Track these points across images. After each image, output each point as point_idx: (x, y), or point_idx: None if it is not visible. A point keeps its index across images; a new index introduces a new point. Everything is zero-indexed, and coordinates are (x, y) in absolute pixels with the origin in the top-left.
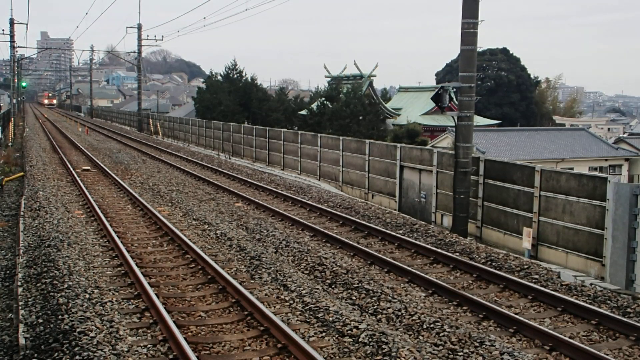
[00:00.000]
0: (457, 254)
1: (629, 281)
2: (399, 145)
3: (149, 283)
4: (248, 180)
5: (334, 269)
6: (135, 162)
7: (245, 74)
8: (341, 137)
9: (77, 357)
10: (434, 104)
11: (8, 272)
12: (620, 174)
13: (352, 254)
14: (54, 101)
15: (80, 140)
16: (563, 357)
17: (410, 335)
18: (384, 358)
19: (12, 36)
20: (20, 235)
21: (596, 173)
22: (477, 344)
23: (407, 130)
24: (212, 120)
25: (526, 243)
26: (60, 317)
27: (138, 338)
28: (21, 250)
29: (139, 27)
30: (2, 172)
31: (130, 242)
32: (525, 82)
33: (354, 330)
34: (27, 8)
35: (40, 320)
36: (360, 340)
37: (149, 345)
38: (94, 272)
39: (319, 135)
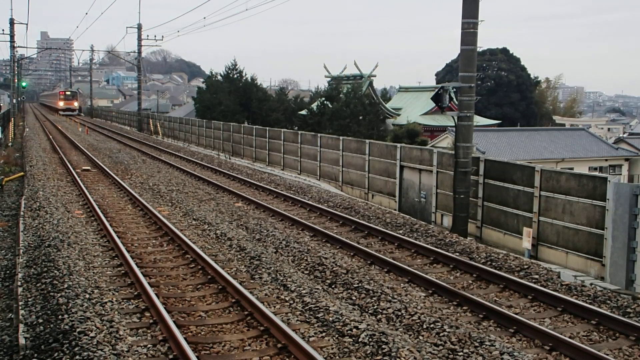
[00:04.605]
0: (457, 254)
1: (629, 281)
2: (399, 145)
3: (148, 283)
4: (248, 180)
5: (334, 269)
6: (135, 162)
7: (245, 74)
8: (341, 137)
9: (77, 357)
10: (434, 104)
11: (8, 272)
12: (620, 174)
13: (352, 254)
14: (75, 104)
15: (80, 140)
16: (563, 357)
17: (410, 335)
18: (384, 358)
19: (12, 36)
20: (20, 235)
21: (596, 173)
22: (477, 344)
23: (407, 130)
24: (212, 120)
25: (526, 243)
26: (60, 317)
27: (138, 338)
28: (21, 250)
29: (139, 27)
30: (2, 172)
31: (130, 242)
32: (525, 82)
33: (354, 330)
34: (27, 8)
35: (40, 320)
36: (360, 340)
37: (149, 345)
38: (94, 272)
39: (319, 135)
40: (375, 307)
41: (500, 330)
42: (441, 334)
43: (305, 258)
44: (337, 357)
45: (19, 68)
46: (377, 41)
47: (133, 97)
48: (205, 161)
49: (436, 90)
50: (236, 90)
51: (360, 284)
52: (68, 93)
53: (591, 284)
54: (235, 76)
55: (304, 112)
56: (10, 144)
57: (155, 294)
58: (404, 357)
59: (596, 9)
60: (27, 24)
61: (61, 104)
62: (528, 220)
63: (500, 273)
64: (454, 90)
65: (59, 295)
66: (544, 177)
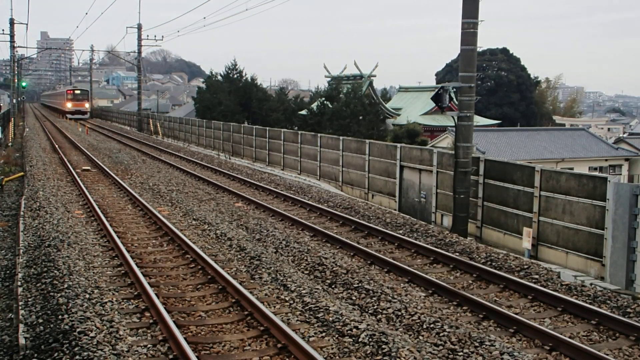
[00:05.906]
0: (457, 254)
1: (629, 281)
2: (399, 145)
3: (148, 283)
4: (248, 180)
5: (334, 269)
6: (135, 162)
7: (245, 74)
8: (341, 137)
9: (77, 357)
10: (434, 104)
11: (8, 272)
12: (620, 174)
13: (352, 254)
14: (86, 105)
15: (80, 140)
16: (563, 357)
17: (410, 335)
18: (384, 358)
19: (12, 36)
20: (20, 235)
21: (596, 173)
22: (477, 344)
23: (407, 130)
24: (212, 120)
25: (526, 243)
26: (60, 317)
27: (138, 338)
28: (21, 250)
29: (139, 27)
30: (2, 172)
31: (130, 242)
32: (525, 82)
33: (354, 330)
34: (27, 8)
35: (40, 320)
36: (360, 340)
37: (149, 345)
38: (94, 272)
39: (319, 135)
40: (375, 307)
41: (500, 330)
42: (441, 334)
43: (305, 258)
44: (337, 357)
45: (19, 68)
46: (377, 41)
47: (133, 97)
48: (205, 161)
49: (436, 90)
50: (236, 90)
51: (360, 284)
52: (77, 92)
53: (591, 284)
54: (235, 76)
55: (304, 112)
56: (10, 144)
57: (155, 294)
58: (404, 357)
59: (596, 8)
60: (27, 24)
61: (69, 105)
62: (528, 220)
63: (500, 273)
64: (454, 90)
65: (59, 295)
66: (544, 177)
